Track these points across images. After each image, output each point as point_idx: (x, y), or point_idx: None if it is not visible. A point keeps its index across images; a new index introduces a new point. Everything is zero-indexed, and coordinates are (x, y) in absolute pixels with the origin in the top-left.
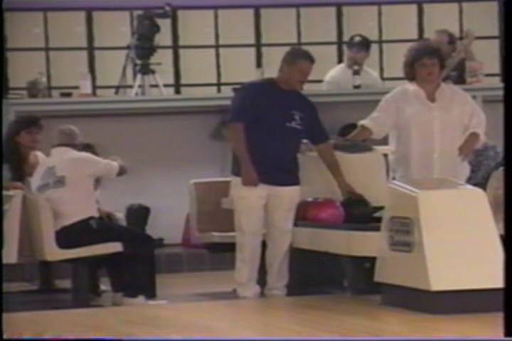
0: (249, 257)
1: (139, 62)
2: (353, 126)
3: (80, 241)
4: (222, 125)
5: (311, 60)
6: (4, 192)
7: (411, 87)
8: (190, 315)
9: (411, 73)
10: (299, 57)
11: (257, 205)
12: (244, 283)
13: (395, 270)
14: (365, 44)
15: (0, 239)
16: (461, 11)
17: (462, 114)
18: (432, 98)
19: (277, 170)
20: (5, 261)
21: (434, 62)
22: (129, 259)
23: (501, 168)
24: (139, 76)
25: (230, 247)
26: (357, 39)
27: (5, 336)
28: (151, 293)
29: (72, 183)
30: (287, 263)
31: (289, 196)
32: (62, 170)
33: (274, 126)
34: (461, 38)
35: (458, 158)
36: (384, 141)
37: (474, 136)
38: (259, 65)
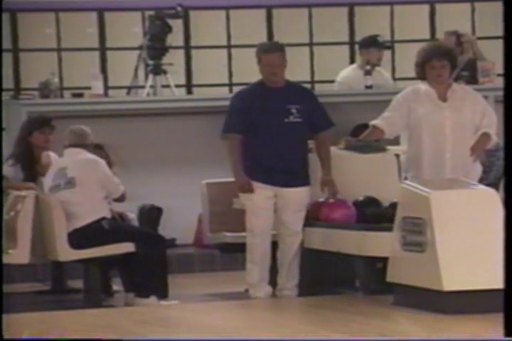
0: (259, 258)
1: (150, 62)
2: (365, 126)
3: (92, 242)
4: None
5: (276, 49)
6: (17, 193)
7: (422, 86)
8: (201, 316)
9: (422, 73)
10: (261, 52)
11: (265, 206)
12: (255, 284)
13: (407, 270)
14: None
15: (0, 239)
16: (473, 11)
17: (473, 114)
18: (443, 98)
19: (281, 170)
20: (17, 261)
21: (443, 64)
22: (141, 259)
23: None
24: (150, 76)
25: (242, 247)
26: (381, 39)
27: (15, 336)
28: (163, 294)
29: (82, 184)
30: (298, 263)
31: (295, 198)
32: (73, 171)
33: (272, 124)
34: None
35: (469, 158)
36: (396, 141)
37: (486, 136)
38: None
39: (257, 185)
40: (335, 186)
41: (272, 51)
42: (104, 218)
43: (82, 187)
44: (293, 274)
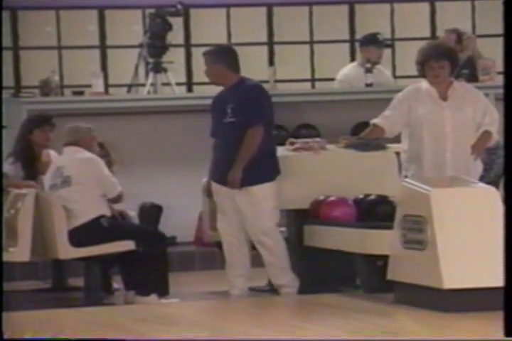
0: (232, 256)
1: (151, 60)
2: (366, 124)
3: (91, 240)
4: None
5: (204, 53)
6: (17, 191)
7: (423, 85)
8: (202, 314)
9: (422, 71)
10: None
11: (227, 206)
12: (231, 281)
13: (408, 268)
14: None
15: (0, 236)
16: (473, 9)
17: (475, 112)
18: (444, 97)
19: (226, 171)
20: (18, 259)
21: (441, 65)
22: (141, 257)
23: None
24: (151, 74)
25: None
26: (381, 37)
27: (16, 334)
28: (163, 291)
29: (78, 183)
30: (285, 261)
31: (245, 198)
32: (69, 170)
33: (215, 126)
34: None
35: (470, 156)
36: (396, 139)
37: (487, 134)
38: (271, 63)
39: (216, 186)
40: (232, 184)
41: (202, 54)
42: (103, 216)
43: (78, 185)
44: (281, 272)
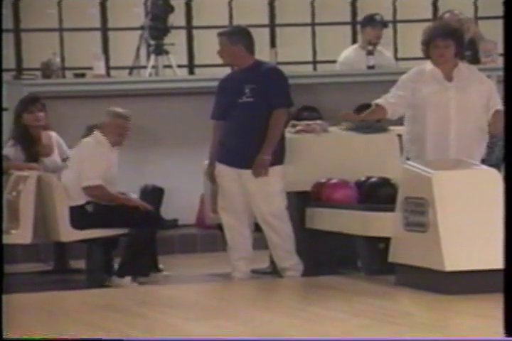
0: (233, 240)
1: (152, 42)
2: (367, 106)
3: (75, 225)
4: None
5: (219, 34)
6: (19, 173)
7: (428, 66)
8: (204, 296)
9: (427, 52)
10: None
11: (231, 188)
12: (232, 264)
13: (409, 250)
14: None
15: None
16: None
17: (480, 94)
18: (449, 77)
19: (237, 151)
20: (20, 241)
21: (447, 44)
22: (130, 240)
23: None
24: (152, 56)
25: None
26: (379, 17)
27: (18, 315)
28: (142, 273)
29: (70, 166)
30: (291, 243)
31: (253, 180)
32: (72, 152)
33: (229, 105)
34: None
35: (474, 138)
36: (398, 122)
37: (500, 113)
38: (273, 45)
39: (221, 167)
40: (261, 168)
41: (218, 35)
42: (89, 202)
43: (71, 168)
44: (286, 255)
